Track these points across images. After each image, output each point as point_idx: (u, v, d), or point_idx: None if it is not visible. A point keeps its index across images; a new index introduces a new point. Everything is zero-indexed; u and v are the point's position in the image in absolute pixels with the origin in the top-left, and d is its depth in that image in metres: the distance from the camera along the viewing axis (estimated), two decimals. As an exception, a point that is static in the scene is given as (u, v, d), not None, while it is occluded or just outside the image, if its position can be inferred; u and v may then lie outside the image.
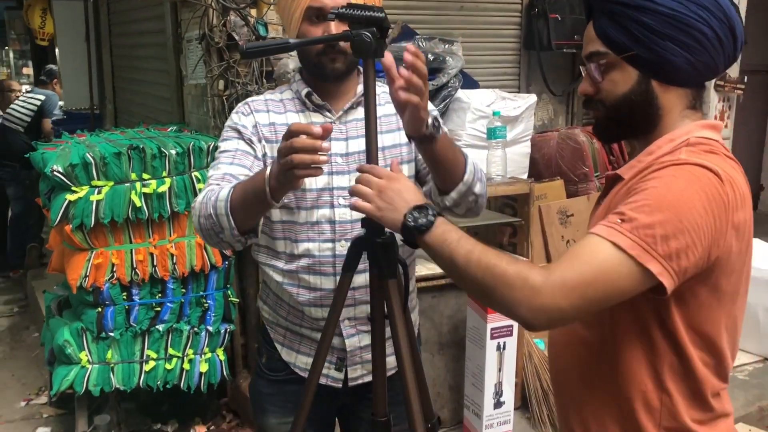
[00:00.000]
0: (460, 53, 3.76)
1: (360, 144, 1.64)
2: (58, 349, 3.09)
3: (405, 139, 1.61)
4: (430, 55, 3.54)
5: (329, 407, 1.84)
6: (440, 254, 1.21)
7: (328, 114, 1.67)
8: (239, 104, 1.73)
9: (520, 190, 3.15)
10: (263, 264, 1.76)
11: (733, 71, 5.39)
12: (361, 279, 1.59)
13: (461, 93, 3.69)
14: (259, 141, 1.65)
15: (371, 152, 1.38)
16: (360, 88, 1.66)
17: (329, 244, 1.64)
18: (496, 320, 2.81)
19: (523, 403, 3.32)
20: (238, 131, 1.65)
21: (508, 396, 2.92)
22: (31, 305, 4.98)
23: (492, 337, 2.83)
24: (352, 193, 1.32)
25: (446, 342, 3.08)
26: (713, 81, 5.31)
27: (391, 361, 1.50)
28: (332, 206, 1.63)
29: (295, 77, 1.73)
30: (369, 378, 1.72)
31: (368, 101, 1.34)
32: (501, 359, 2.87)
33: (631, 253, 1.09)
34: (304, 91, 1.66)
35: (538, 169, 4.08)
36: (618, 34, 1.20)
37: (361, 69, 1.50)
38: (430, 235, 1.22)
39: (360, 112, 1.65)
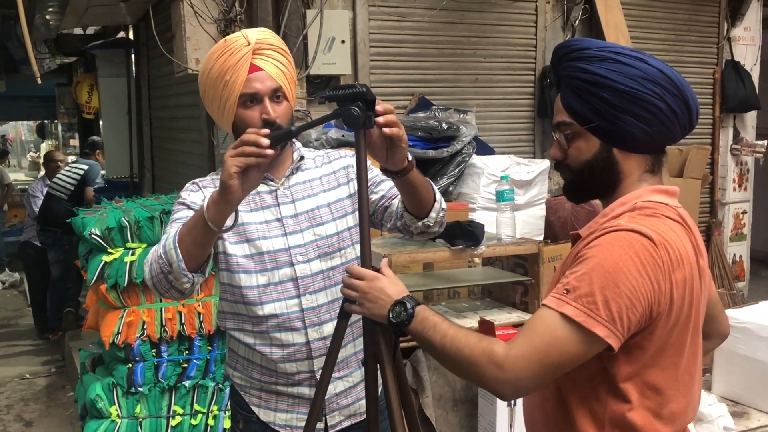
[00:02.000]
0: (474, 122, 3.97)
1: (306, 204, 1.80)
2: (90, 403, 3.25)
3: (346, 193, 1.82)
4: (444, 124, 3.74)
5: None
6: (421, 340, 1.39)
7: (272, 183, 1.80)
8: (187, 183, 1.83)
9: (530, 250, 3.26)
10: (231, 330, 1.85)
11: (749, 134, 5.49)
12: (330, 328, 1.70)
13: (476, 158, 3.87)
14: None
15: (365, 244, 1.50)
16: (296, 155, 1.83)
17: (295, 300, 1.76)
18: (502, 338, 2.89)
19: (538, 462, 3.35)
20: (187, 206, 1.75)
21: (521, 452, 2.97)
22: (67, 366, 5.17)
23: (502, 393, 2.90)
24: (344, 295, 1.49)
25: (460, 399, 3.15)
26: (729, 145, 5.42)
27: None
28: (292, 264, 1.75)
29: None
30: (347, 423, 1.84)
31: (360, 174, 1.50)
32: (512, 415, 2.93)
33: (578, 321, 1.21)
34: None
35: (554, 231, 4.19)
36: (581, 106, 1.35)
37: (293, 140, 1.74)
38: (411, 326, 1.39)
39: (299, 176, 1.82)
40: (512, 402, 2.93)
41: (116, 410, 3.24)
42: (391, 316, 1.40)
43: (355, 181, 1.72)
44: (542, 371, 1.23)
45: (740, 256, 5.63)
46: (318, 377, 1.74)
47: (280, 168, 1.82)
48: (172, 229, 1.64)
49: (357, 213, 1.73)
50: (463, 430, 3.19)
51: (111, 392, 3.24)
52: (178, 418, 3.31)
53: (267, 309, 1.75)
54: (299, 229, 1.78)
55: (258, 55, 1.68)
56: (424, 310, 1.39)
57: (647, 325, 1.26)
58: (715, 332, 1.60)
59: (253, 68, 1.67)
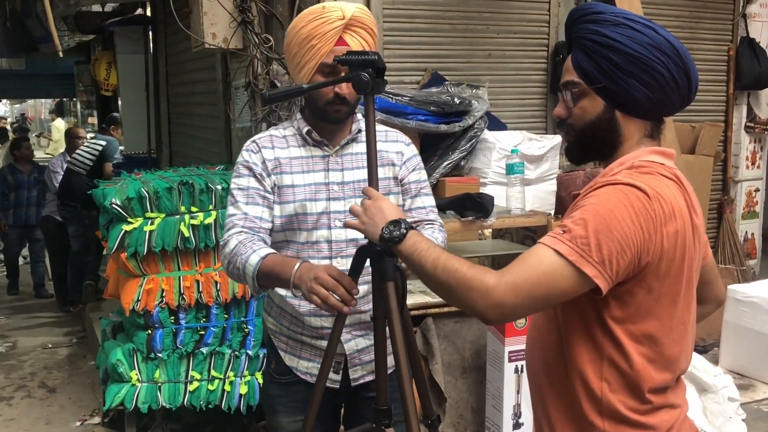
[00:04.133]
0: (486, 97, 4.00)
1: (354, 174, 1.92)
2: (111, 368, 3.36)
3: (391, 174, 1.93)
4: (456, 99, 3.78)
5: (333, 405, 2.03)
6: (411, 261, 1.46)
7: (326, 148, 1.93)
8: (247, 142, 1.97)
9: (539, 222, 3.32)
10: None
11: (764, 112, 5.47)
12: (355, 291, 1.76)
13: (488, 134, 3.91)
14: (268, 176, 1.90)
15: (372, 175, 1.63)
16: (354, 126, 1.94)
17: (327, 261, 1.89)
18: (514, 344, 2.96)
19: (545, 429, 3.43)
20: (250, 168, 1.91)
21: (527, 418, 3.05)
22: (88, 336, 5.31)
23: (510, 360, 2.98)
24: (350, 212, 1.60)
25: (468, 366, 3.24)
26: (743, 122, 5.41)
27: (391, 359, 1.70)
28: (329, 228, 1.89)
29: (296, 116, 1.98)
30: (369, 378, 1.96)
31: (369, 132, 1.58)
32: (519, 381, 3.01)
33: (570, 259, 1.29)
34: (304, 129, 1.92)
35: (564, 207, 4.22)
36: (591, 67, 1.41)
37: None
38: (402, 245, 1.47)
39: (354, 147, 1.94)
40: (519, 368, 3.01)
41: (136, 375, 3.36)
42: (384, 232, 1.49)
43: (402, 167, 1.96)
44: (529, 301, 1.30)
45: (752, 234, 5.63)
46: (342, 336, 1.86)
47: (337, 136, 1.93)
48: (252, 238, 1.82)
49: (399, 195, 1.97)
50: (471, 397, 3.28)
51: (131, 357, 3.35)
52: (195, 384, 3.42)
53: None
54: (342, 196, 1.90)
55: (349, 31, 1.79)
56: (416, 234, 1.48)
57: (636, 273, 1.33)
58: (710, 297, 1.66)
59: (341, 42, 1.79)
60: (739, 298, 4.03)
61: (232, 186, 1.93)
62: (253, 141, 1.95)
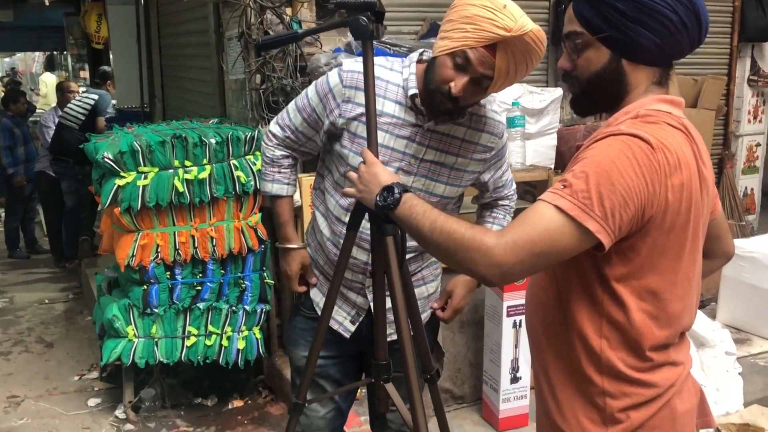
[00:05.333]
0: (486, 48, 3.90)
1: (435, 155, 1.84)
2: (108, 323, 3.35)
3: (471, 169, 1.89)
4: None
5: (355, 350, 2.03)
6: (409, 225, 1.42)
7: (421, 118, 1.81)
8: (347, 64, 1.84)
9: (539, 177, 3.28)
10: (316, 212, 1.99)
11: (767, 65, 5.38)
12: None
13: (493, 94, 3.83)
14: (339, 116, 1.82)
15: (371, 136, 1.58)
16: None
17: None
18: (512, 299, 2.95)
19: (543, 383, 3.44)
20: (327, 97, 1.84)
21: (525, 372, 3.06)
22: (84, 292, 5.31)
23: (508, 315, 2.97)
24: (347, 178, 1.59)
25: (467, 321, 3.23)
26: (746, 76, 5.32)
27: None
28: None
29: (412, 61, 1.82)
30: (394, 336, 1.87)
31: (367, 82, 1.52)
32: (517, 336, 3.01)
33: (571, 214, 1.23)
34: (410, 90, 1.79)
35: (564, 161, 4.18)
36: (594, 16, 1.34)
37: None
38: (398, 210, 1.44)
39: (448, 127, 1.82)
40: (517, 323, 2.99)
41: (133, 330, 3.34)
42: (378, 200, 1.46)
43: (486, 163, 1.92)
44: (531, 260, 1.26)
45: (752, 189, 5.60)
46: (368, 294, 1.89)
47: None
48: (283, 162, 2.00)
49: (468, 189, 1.96)
50: (469, 351, 3.28)
51: (127, 313, 3.34)
52: (192, 339, 3.41)
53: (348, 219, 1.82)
54: (414, 172, 1.84)
55: (509, 47, 1.61)
56: (412, 197, 1.44)
57: (640, 227, 1.28)
58: (719, 252, 1.61)
59: (491, 50, 1.61)
60: (738, 253, 3.98)
61: (306, 92, 1.91)
62: (351, 72, 1.82)
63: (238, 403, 3.70)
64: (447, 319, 2.06)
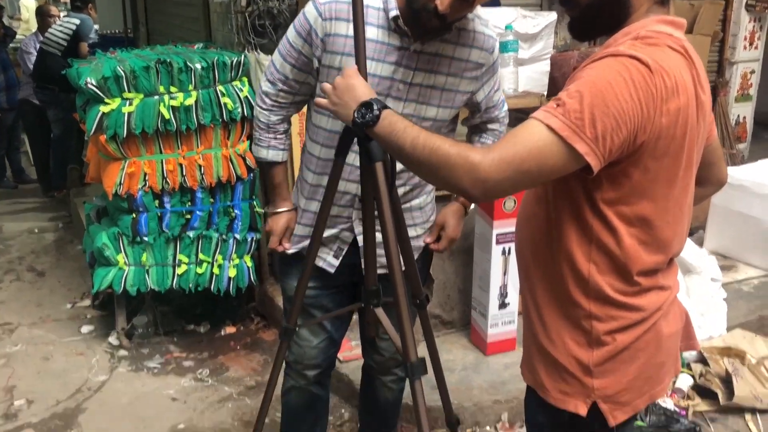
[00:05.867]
0: (479, -30, 3.78)
1: (424, 78, 1.77)
2: (98, 251, 3.34)
3: (463, 89, 1.83)
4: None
5: (350, 281, 2.03)
6: (389, 142, 1.38)
7: (406, 40, 1.74)
8: (323, 2, 1.76)
9: (532, 103, 3.24)
10: (307, 142, 1.95)
11: (765, -10, 5.26)
12: None
13: (480, 9, 3.72)
14: (323, 51, 1.76)
15: (359, 53, 1.52)
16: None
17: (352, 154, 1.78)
18: (502, 227, 2.95)
19: (531, 309, 3.50)
20: (309, 34, 1.77)
21: (513, 298, 3.09)
22: (74, 221, 5.28)
23: (497, 243, 2.98)
24: (321, 89, 1.51)
25: (456, 249, 3.24)
26: (744, 0, 5.21)
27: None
28: None
29: None
30: (384, 270, 1.86)
31: (356, 5, 1.46)
32: (506, 263, 3.03)
33: (562, 134, 1.21)
34: (392, 13, 1.71)
35: (557, 88, 4.12)
36: None
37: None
38: (377, 127, 1.39)
39: (436, 45, 1.74)
40: (506, 250, 3.01)
41: (123, 258, 3.34)
42: (356, 116, 1.41)
43: (478, 81, 1.86)
44: (517, 177, 1.24)
45: (744, 118, 5.57)
46: (354, 227, 1.88)
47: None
48: (274, 112, 1.94)
49: (462, 110, 1.91)
50: (458, 278, 3.31)
51: (117, 241, 3.33)
52: (183, 267, 3.42)
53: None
54: (403, 98, 1.78)
55: None
56: (391, 113, 1.40)
57: (631, 152, 1.26)
58: (712, 179, 1.60)
59: None
60: (729, 182, 4.00)
61: (287, 37, 1.84)
62: (328, 2, 1.75)
63: (230, 330, 3.75)
64: (442, 250, 2.06)
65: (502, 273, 3.05)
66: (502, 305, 3.09)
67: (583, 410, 1.40)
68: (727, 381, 2.96)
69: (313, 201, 1.93)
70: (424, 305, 1.86)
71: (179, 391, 3.18)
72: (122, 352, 3.51)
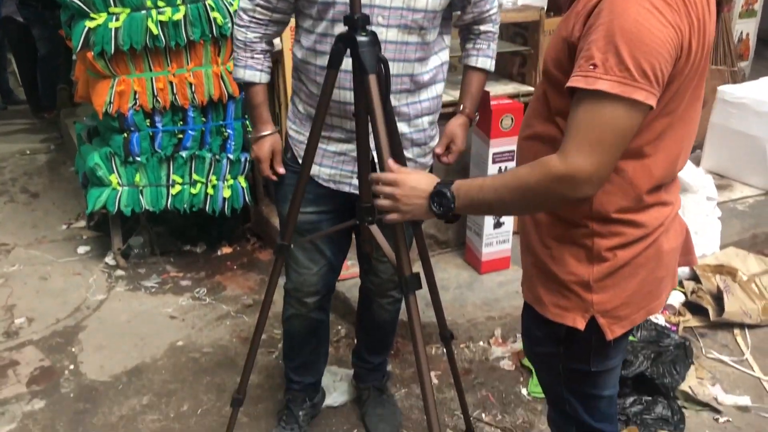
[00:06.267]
0: None
1: None
2: (90, 172, 3.31)
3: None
4: None
5: (350, 205, 2.00)
6: (476, 210, 1.35)
7: None
8: None
9: (531, 17, 3.14)
10: (299, 73, 1.89)
11: None
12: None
13: None
14: None
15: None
16: None
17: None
18: (499, 145, 2.92)
19: (526, 229, 3.51)
20: None
21: (508, 218, 3.09)
22: (66, 142, 5.22)
23: (494, 162, 2.95)
24: (379, 207, 1.43)
25: (451, 169, 3.20)
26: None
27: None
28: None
29: None
30: None
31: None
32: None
33: (616, 93, 1.16)
34: None
35: (558, 3, 4.00)
36: None
37: None
38: (457, 206, 1.33)
39: None
40: (502, 169, 2.99)
41: (116, 178, 3.32)
42: (435, 209, 1.36)
43: None
44: (606, 155, 1.19)
45: (747, 34, 5.45)
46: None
47: None
48: (254, 46, 1.91)
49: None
50: (454, 198, 3.30)
51: (109, 161, 3.29)
52: (177, 187, 3.40)
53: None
54: None
55: None
56: (460, 184, 1.34)
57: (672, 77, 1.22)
58: None
59: None
60: (728, 99, 3.96)
61: None
62: None
63: (227, 250, 3.76)
64: (452, 162, 2.07)
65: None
66: (497, 225, 3.09)
67: (581, 325, 1.41)
68: (717, 298, 3.00)
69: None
70: (418, 222, 1.85)
71: (177, 310, 3.22)
72: (119, 272, 3.53)
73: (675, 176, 1.43)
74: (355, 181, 1.91)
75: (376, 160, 1.54)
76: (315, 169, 1.94)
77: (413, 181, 1.38)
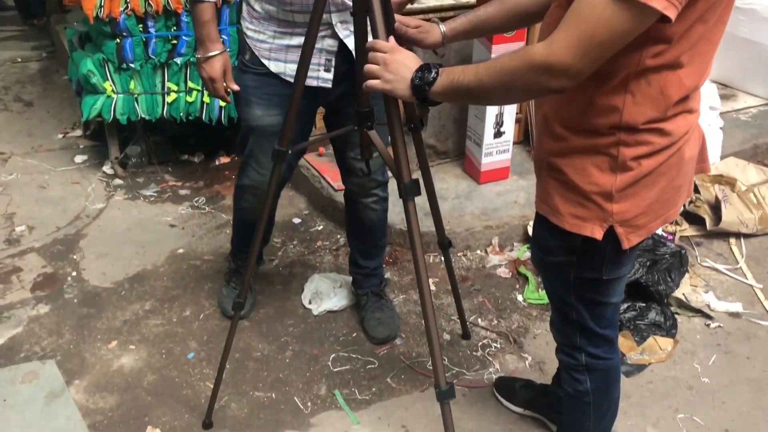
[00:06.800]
0: None
1: None
2: (84, 78, 3.25)
3: None
4: None
5: (314, 103, 2.02)
6: (456, 92, 1.31)
7: None
8: None
9: None
10: None
11: None
12: None
13: None
14: None
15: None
16: None
17: None
18: (501, 50, 2.85)
19: (525, 139, 3.48)
20: None
21: (509, 127, 3.06)
22: (58, 50, 5.10)
23: (495, 69, 2.89)
24: (365, 73, 1.40)
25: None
26: None
27: None
28: None
29: None
30: None
31: None
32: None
33: None
34: None
35: None
36: None
37: None
38: (438, 84, 1.31)
39: None
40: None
41: (110, 86, 3.26)
42: (415, 80, 1.34)
43: None
44: (592, 54, 1.16)
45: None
46: (338, 31, 1.84)
47: None
48: None
49: None
50: (453, 108, 3.25)
51: (102, 68, 3.22)
52: (173, 95, 3.34)
53: None
54: None
55: None
56: (446, 68, 1.33)
57: None
58: None
59: None
60: (737, 5, 3.84)
61: None
62: None
63: (224, 160, 3.75)
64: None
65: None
66: (498, 134, 3.06)
67: (599, 235, 1.41)
68: (715, 207, 3.01)
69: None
70: (418, 129, 1.83)
71: (177, 218, 3.23)
72: (117, 181, 3.53)
73: (701, 85, 1.40)
74: (322, 74, 1.92)
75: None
76: (280, 66, 1.93)
77: (407, 57, 1.39)
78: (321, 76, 1.92)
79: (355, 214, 2.38)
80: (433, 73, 1.33)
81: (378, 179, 2.26)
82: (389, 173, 2.25)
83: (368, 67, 1.41)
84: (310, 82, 1.90)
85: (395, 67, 1.37)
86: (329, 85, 1.94)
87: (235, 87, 1.99)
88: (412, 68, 1.36)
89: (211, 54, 1.96)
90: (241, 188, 2.29)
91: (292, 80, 1.91)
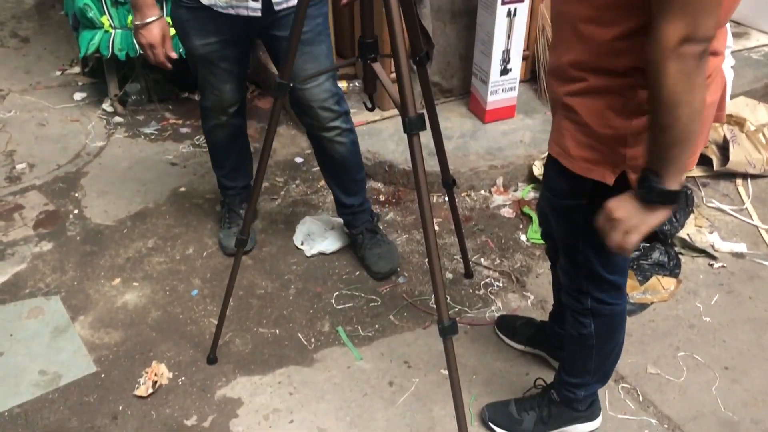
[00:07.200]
0: None
1: None
2: (80, 12, 3.17)
3: None
4: None
5: (248, 30, 2.07)
6: (676, 158, 1.22)
7: None
8: None
9: None
10: None
11: None
12: None
13: None
14: None
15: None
16: None
17: None
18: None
19: (532, 77, 3.41)
20: None
21: (516, 64, 2.99)
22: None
23: (503, 3, 2.81)
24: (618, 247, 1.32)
25: (458, 10, 3.07)
26: None
27: None
28: None
29: None
30: (292, 3, 1.99)
31: None
32: (511, 26, 2.88)
33: None
34: None
35: None
36: None
37: None
38: (661, 173, 1.23)
39: None
40: (512, 12, 2.86)
41: (108, 20, 3.18)
42: (646, 195, 1.26)
43: None
44: (698, 17, 1.10)
45: None
46: None
47: None
48: None
49: None
50: (460, 43, 3.18)
51: (99, 2, 3.14)
52: (172, 31, 3.25)
53: None
54: None
55: None
56: (645, 168, 1.25)
57: None
58: None
59: None
60: (754, -61, 3.71)
61: None
62: None
63: (225, 98, 3.68)
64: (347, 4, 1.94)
65: (506, 37, 2.91)
66: (504, 71, 3.00)
67: (610, 180, 1.38)
68: (723, 148, 2.97)
69: None
70: (423, 62, 1.78)
71: (178, 157, 3.20)
72: (117, 119, 3.48)
73: (725, 23, 1.34)
74: (252, 4, 1.95)
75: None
76: None
77: (628, 209, 1.29)
78: (251, 5, 1.95)
79: (324, 151, 2.33)
80: (651, 178, 1.24)
81: (332, 108, 2.20)
82: (348, 103, 2.31)
83: (622, 245, 1.31)
84: (240, 11, 1.96)
85: (633, 223, 1.28)
86: (258, 14, 1.96)
87: (174, 55, 2.01)
88: (641, 207, 1.27)
89: (148, 20, 1.94)
90: (205, 109, 2.40)
91: (223, 11, 1.98)
